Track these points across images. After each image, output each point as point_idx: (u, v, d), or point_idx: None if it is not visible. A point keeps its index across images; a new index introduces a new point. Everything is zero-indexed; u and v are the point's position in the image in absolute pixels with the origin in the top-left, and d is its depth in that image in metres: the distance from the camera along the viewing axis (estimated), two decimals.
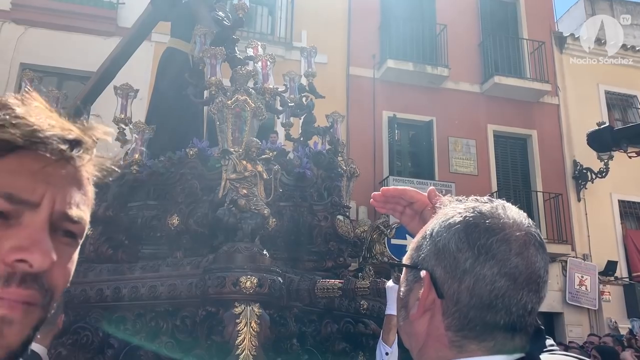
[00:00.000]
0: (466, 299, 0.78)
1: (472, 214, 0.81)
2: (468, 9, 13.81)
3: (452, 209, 0.84)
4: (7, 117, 0.57)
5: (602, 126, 1.92)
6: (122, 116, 4.10)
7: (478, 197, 0.85)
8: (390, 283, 2.91)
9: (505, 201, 0.85)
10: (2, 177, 0.57)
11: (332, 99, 8.19)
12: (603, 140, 1.77)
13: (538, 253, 0.81)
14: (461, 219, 0.81)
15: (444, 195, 0.96)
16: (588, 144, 1.90)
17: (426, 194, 1.07)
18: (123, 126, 4.14)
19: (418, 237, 0.88)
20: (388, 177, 11.70)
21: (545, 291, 0.81)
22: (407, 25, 12.94)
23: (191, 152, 4.18)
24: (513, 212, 0.83)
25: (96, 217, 3.70)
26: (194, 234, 3.63)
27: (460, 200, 0.86)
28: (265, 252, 3.16)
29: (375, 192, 1.14)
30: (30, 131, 0.57)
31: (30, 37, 10.71)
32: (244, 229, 3.16)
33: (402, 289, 0.88)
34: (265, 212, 3.30)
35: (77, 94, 10.92)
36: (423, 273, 0.82)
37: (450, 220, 0.82)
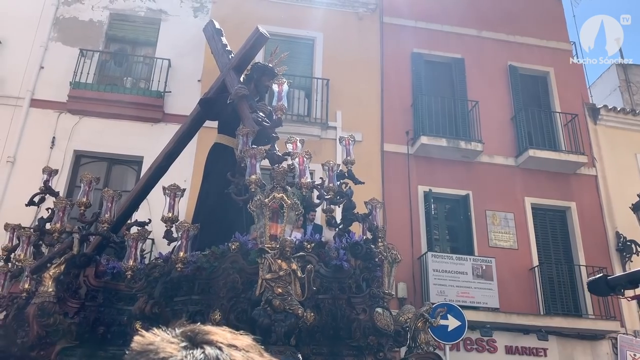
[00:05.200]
0: None
1: None
2: (499, 84, 14.10)
3: None
4: None
5: (597, 276, 2.05)
6: (170, 215, 4.37)
7: None
8: None
9: None
10: None
11: (368, 175, 8.35)
12: (600, 289, 1.89)
13: None
14: None
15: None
16: (589, 290, 2.01)
17: None
18: (170, 224, 4.40)
19: None
20: (426, 252, 11.66)
21: None
22: (439, 102, 13.28)
23: (233, 246, 4.39)
24: None
25: (143, 313, 3.91)
26: (234, 330, 3.76)
27: None
28: (299, 355, 3.24)
29: None
30: None
31: (83, 126, 11.47)
32: (277, 332, 3.26)
33: None
34: (300, 311, 3.41)
35: (125, 177, 11.57)
36: None
37: None
